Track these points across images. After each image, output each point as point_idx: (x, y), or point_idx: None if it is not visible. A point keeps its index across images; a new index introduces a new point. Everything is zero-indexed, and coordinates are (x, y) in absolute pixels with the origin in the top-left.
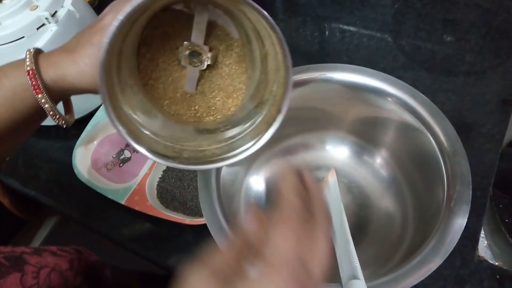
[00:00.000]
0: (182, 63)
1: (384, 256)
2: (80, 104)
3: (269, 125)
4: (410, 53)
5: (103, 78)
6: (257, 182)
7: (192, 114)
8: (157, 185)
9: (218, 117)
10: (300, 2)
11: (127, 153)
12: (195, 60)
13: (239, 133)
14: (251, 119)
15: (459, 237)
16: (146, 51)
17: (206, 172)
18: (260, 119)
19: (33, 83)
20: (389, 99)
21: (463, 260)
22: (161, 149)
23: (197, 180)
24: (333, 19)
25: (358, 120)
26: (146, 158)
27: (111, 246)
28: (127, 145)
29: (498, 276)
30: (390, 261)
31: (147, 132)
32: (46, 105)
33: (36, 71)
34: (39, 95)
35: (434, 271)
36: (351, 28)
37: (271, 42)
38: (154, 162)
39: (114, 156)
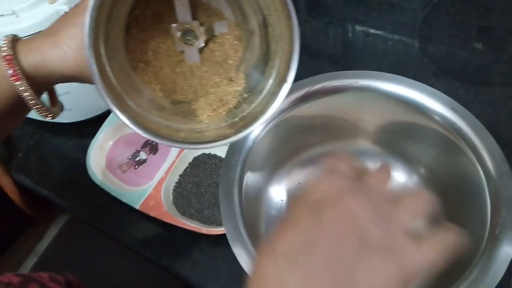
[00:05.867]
0: (178, 48)
1: None
2: (97, 102)
3: (274, 96)
4: (442, 61)
5: (90, 42)
6: (278, 193)
7: (188, 99)
8: (173, 190)
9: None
10: (325, 2)
11: (143, 155)
12: (189, 38)
13: (240, 112)
14: (251, 98)
15: (506, 267)
16: (137, 32)
17: (228, 183)
18: (263, 95)
19: (11, 70)
20: (429, 113)
21: (498, 286)
22: (155, 128)
23: (214, 187)
24: (360, 22)
25: (391, 133)
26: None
27: (119, 249)
28: (143, 146)
29: None
30: None
31: (138, 110)
32: (26, 94)
33: (14, 57)
34: (18, 83)
35: None
36: (379, 32)
37: (274, 8)
38: (171, 166)
39: (130, 157)
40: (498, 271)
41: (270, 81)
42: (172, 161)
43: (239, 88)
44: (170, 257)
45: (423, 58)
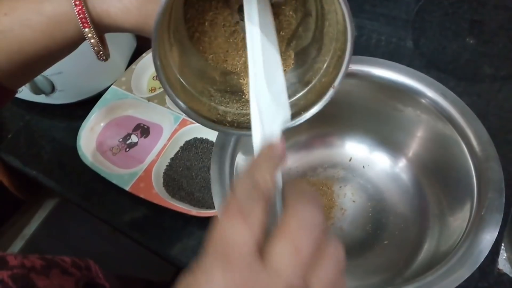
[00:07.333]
0: (234, 20)
1: (400, 262)
2: (89, 84)
3: (319, 97)
4: (434, 53)
5: (157, 31)
6: None
7: (237, 71)
8: (164, 173)
9: None
10: None
11: (134, 138)
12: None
13: None
14: (297, 86)
15: (490, 247)
16: (196, 1)
17: (220, 162)
18: (309, 87)
19: (81, 15)
20: (419, 97)
21: (482, 272)
22: (205, 112)
23: (205, 170)
24: (354, 14)
25: (383, 118)
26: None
27: (107, 234)
28: (135, 130)
29: None
30: (408, 268)
31: (192, 91)
32: (92, 40)
33: (83, 3)
34: (86, 29)
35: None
36: (373, 24)
37: (334, 9)
38: (162, 149)
39: (121, 140)
40: (482, 251)
41: (317, 77)
42: (164, 144)
43: (287, 69)
44: (160, 240)
45: (415, 50)
